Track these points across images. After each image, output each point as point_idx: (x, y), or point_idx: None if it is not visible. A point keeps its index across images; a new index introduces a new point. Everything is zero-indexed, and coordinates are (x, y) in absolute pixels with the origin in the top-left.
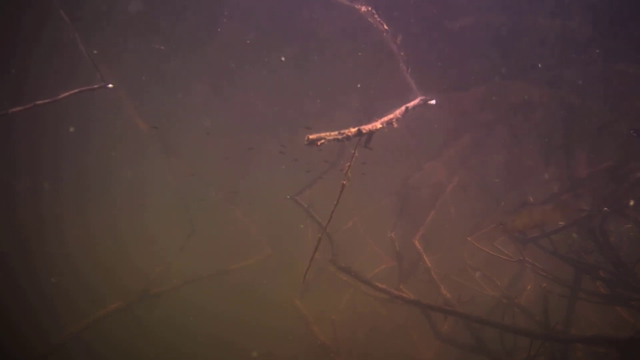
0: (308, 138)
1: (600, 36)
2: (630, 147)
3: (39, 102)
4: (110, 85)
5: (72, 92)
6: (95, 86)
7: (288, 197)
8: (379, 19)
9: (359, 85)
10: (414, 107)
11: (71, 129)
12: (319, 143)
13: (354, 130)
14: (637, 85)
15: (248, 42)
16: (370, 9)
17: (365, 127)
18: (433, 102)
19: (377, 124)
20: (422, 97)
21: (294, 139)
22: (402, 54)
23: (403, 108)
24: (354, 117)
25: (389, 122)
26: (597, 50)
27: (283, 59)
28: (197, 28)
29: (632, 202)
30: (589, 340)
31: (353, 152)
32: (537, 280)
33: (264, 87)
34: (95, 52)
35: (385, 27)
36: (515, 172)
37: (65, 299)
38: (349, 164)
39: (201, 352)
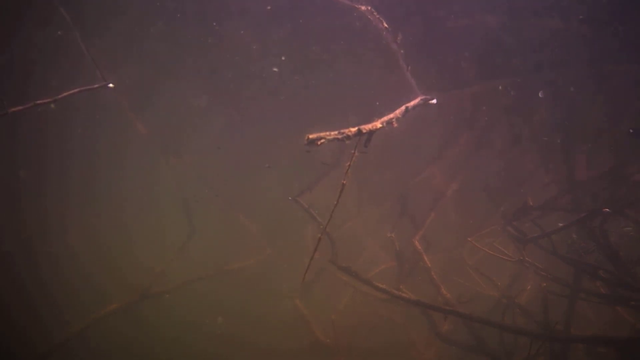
0: (308, 138)
1: (599, 36)
2: (629, 147)
3: (39, 102)
4: (110, 85)
5: (72, 91)
6: (96, 85)
7: (290, 198)
8: (379, 18)
9: (358, 85)
10: (414, 106)
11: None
12: (319, 143)
13: (354, 130)
14: (636, 85)
15: (250, 43)
16: (370, 8)
17: (366, 127)
18: (433, 101)
19: (377, 124)
20: (423, 97)
21: (294, 140)
22: (402, 52)
23: (403, 107)
24: (353, 117)
25: (389, 122)
26: (596, 51)
27: (276, 69)
28: (196, 29)
29: None
30: (589, 340)
31: (353, 152)
32: (537, 280)
33: (263, 88)
34: (95, 52)
35: (386, 25)
36: (514, 173)
37: (68, 297)
38: (349, 163)
39: (203, 348)
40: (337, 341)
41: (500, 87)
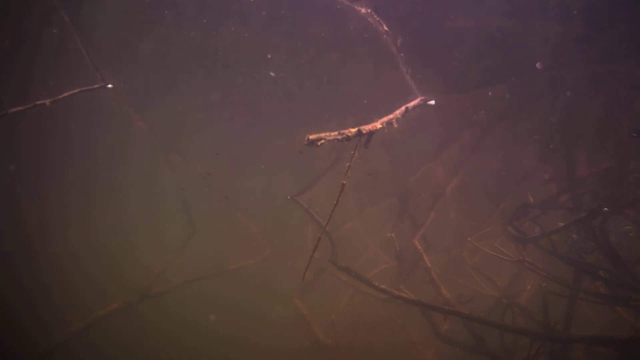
0: (308, 138)
1: (599, 37)
2: (629, 147)
3: (38, 102)
4: (109, 86)
5: (72, 92)
6: (95, 86)
7: (288, 197)
8: (378, 20)
9: (358, 87)
10: (414, 107)
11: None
12: (318, 143)
13: (354, 130)
14: (636, 85)
15: (249, 46)
16: (370, 10)
17: (365, 127)
18: (432, 102)
19: (377, 124)
20: (422, 98)
21: (293, 140)
22: (401, 55)
23: (403, 108)
24: (353, 118)
25: (389, 122)
26: (596, 51)
27: (272, 74)
28: (195, 30)
29: None
30: (589, 340)
31: (353, 152)
32: (537, 280)
33: (263, 89)
34: (95, 53)
35: (385, 28)
36: (514, 172)
37: (68, 297)
38: (348, 164)
39: (203, 348)
40: (337, 341)
41: (500, 89)
